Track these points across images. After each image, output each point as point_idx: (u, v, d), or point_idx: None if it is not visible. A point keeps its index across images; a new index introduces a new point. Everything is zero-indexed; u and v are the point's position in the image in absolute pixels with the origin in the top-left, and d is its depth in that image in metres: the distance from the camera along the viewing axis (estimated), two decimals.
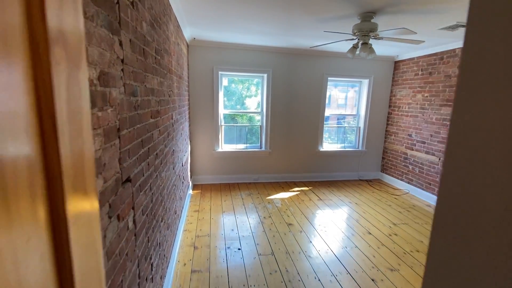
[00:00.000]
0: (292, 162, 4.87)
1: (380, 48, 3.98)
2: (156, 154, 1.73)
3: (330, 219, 3.40)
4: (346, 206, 3.84)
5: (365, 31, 2.48)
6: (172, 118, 2.41)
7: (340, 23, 2.78)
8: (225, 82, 4.56)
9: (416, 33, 2.29)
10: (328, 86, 4.76)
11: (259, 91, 4.69)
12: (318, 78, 4.64)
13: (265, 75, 4.46)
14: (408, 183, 4.54)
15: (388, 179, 5.05)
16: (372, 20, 2.55)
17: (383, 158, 5.23)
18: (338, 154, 5.04)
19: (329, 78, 4.72)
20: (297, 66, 4.53)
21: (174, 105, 2.56)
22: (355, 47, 2.69)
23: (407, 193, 4.45)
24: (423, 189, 4.23)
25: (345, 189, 4.58)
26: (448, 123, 3.76)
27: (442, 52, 3.86)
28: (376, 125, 5.08)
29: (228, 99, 4.64)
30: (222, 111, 4.50)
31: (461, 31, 3.00)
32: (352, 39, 2.68)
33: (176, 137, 2.67)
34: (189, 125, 4.18)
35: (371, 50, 2.58)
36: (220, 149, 4.53)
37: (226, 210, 3.56)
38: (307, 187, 4.62)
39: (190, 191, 4.11)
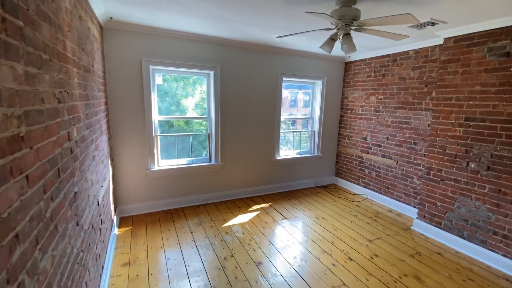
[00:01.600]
0: (247, 175, 4.18)
1: (335, 46, 3.64)
2: (17, 235, 0.77)
3: (303, 245, 2.85)
4: (314, 223, 3.38)
5: (348, 19, 1.97)
6: (70, 139, 1.39)
7: (314, 8, 2.22)
8: (159, 80, 3.52)
9: (419, 21, 1.90)
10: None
11: (197, 91, 3.82)
12: (273, 78, 4.07)
13: (212, 73, 3.63)
14: (365, 187, 4.43)
15: (344, 183, 4.89)
16: (354, 6, 2.06)
17: (337, 162, 5.06)
18: (294, 161, 4.60)
19: (283, 79, 4.21)
20: (250, 63, 3.84)
21: (76, 115, 1.53)
22: (333, 39, 2.17)
23: (366, 198, 4.32)
24: (381, 193, 4.14)
25: (306, 200, 4.15)
26: (404, 126, 3.70)
27: (395, 54, 3.79)
28: (329, 128, 4.85)
29: (160, 99, 3.59)
30: (156, 117, 3.46)
31: (424, 32, 2.84)
32: (329, 29, 2.14)
33: (82, 168, 1.63)
34: (109, 139, 3.02)
35: (353, 44, 2.10)
36: (156, 167, 3.48)
37: (170, 255, 2.61)
38: (267, 202, 4.01)
39: (115, 230, 2.97)
